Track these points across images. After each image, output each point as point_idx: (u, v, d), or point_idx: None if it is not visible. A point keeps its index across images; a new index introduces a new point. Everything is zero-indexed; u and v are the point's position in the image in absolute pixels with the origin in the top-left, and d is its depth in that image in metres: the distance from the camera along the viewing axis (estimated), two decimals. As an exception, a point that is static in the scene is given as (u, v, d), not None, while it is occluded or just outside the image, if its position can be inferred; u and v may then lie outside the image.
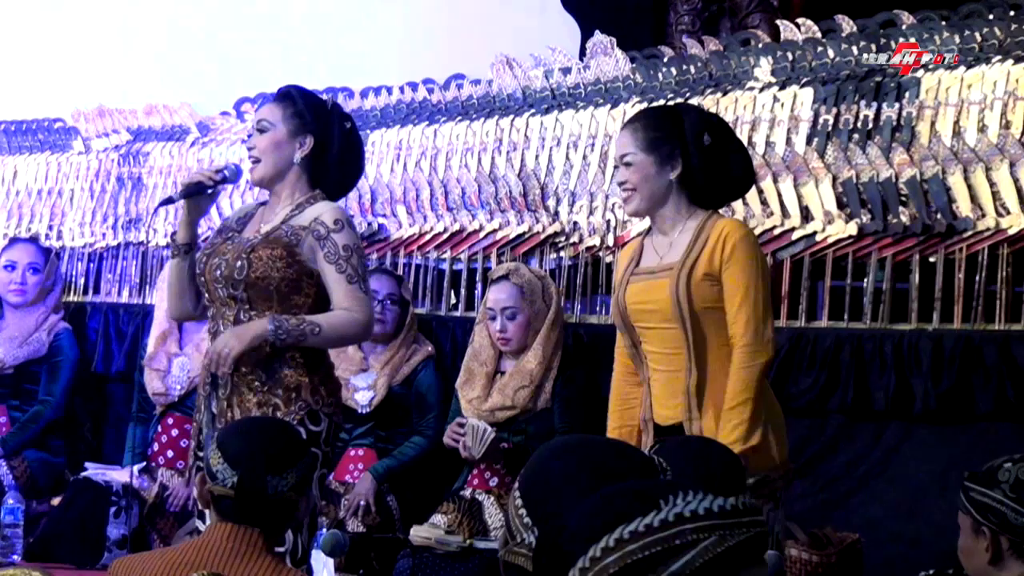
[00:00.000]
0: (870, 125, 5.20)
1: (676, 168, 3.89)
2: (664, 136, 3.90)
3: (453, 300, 6.02)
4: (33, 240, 6.62)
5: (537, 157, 5.86)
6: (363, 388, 5.56)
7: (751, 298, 3.82)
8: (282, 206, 4.16)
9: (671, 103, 5.58)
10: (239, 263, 4.05)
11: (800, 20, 5.59)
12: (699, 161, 3.89)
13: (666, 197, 3.91)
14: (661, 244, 3.96)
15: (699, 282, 3.84)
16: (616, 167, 4.04)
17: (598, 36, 5.94)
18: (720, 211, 4.02)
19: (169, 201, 4.45)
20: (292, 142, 4.14)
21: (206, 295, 4.18)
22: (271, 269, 4.05)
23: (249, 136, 4.25)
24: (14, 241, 6.58)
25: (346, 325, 4.07)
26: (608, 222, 5.61)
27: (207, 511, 4.13)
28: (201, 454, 4.16)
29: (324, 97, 4.30)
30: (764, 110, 5.38)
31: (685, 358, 3.85)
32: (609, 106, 5.76)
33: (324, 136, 4.17)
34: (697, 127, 3.90)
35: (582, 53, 6.14)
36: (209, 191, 4.22)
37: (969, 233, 4.95)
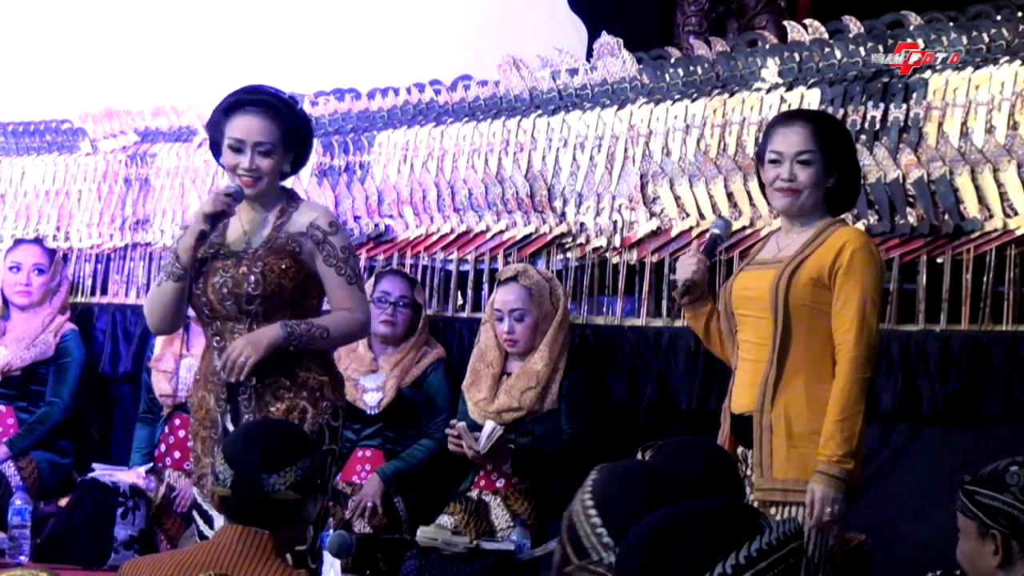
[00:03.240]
0: (877, 126, 5.19)
1: (833, 178, 3.97)
2: (838, 145, 3.99)
3: (460, 301, 6.02)
4: (38, 241, 6.63)
5: (544, 158, 5.86)
6: (372, 389, 5.56)
7: (865, 310, 3.85)
8: (263, 214, 4.22)
9: (678, 103, 5.60)
10: (252, 278, 4.11)
11: (807, 21, 5.58)
12: (850, 170, 4.00)
13: (818, 203, 3.99)
14: (784, 240, 4.02)
15: (802, 280, 3.89)
16: (774, 161, 3.98)
17: (605, 37, 5.94)
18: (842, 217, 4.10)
19: (204, 236, 4.21)
20: (284, 159, 4.23)
21: (206, 312, 4.20)
22: (283, 279, 4.13)
23: (238, 150, 4.19)
24: (19, 242, 6.58)
25: (350, 325, 4.20)
26: (615, 223, 5.61)
27: (205, 515, 4.17)
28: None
29: (290, 96, 4.40)
30: (771, 111, 5.37)
31: (769, 350, 3.89)
32: (616, 107, 5.76)
33: (305, 147, 4.33)
34: (852, 143, 4.05)
35: (589, 54, 6.14)
36: (227, 216, 4.23)
37: (977, 234, 4.95)
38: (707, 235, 4.04)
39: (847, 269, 3.85)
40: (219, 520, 4.11)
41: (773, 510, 3.87)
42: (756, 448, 3.89)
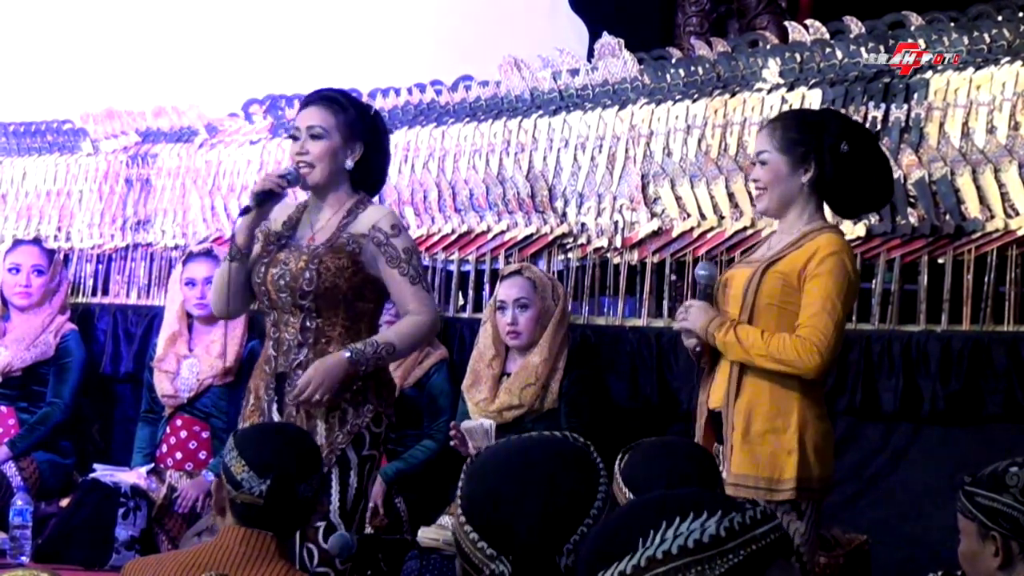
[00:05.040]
0: (878, 126, 5.19)
1: (809, 172, 3.92)
2: (801, 138, 3.93)
3: (461, 302, 6.03)
4: (37, 242, 6.62)
5: (545, 158, 5.86)
6: (372, 389, 5.55)
7: (827, 310, 3.82)
8: (331, 211, 4.26)
9: (680, 101, 5.60)
10: (307, 274, 4.15)
11: (808, 21, 5.58)
12: (833, 169, 3.90)
13: (795, 199, 3.94)
14: (776, 241, 4.01)
15: (772, 279, 3.87)
16: (752, 163, 4.06)
17: (606, 37, 5.94)
18: (838, 220, 4.05)
19: (247, 211, 4.31)
20: (345, 149, 4.25)
21: (265, 302, 4.25)
22: (339, 279, 4.16)
23: (294, 138, 4.28)
24: (18, 243, 6.57)
25: (416, 330, 4.22)
26: (616, 223, 5.61)
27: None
28: None
29: (367, 102, 4.42)
30: (772, 111, 5.36)
31: None
32: (617, 107, 5.76)
33: (373, 143, 4.31)
34: (836, 134, 3.92)
35: (590, 54, 6.14)
36: (277, 197, 4.28)
37: (978, 234, 4.95)
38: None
39: (815, 272, 3.84)
40: None
41: None
42: (724, 444, 3.91)
